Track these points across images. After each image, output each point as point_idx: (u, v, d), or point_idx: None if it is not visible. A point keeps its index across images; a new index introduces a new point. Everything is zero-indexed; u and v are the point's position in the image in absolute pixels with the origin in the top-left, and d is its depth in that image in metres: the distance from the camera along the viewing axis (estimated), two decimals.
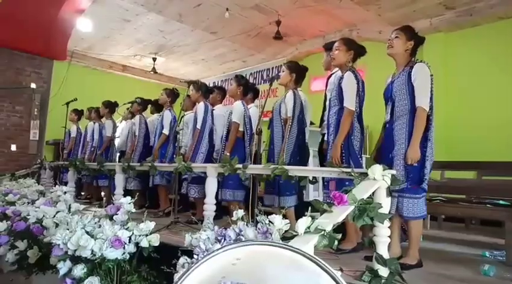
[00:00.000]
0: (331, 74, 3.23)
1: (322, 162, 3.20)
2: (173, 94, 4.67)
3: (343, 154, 2.69)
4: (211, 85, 9.36)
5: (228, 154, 3.55)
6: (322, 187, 2.88)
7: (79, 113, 6.32)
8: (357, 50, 2.89)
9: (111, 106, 5.60)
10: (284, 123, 3.31)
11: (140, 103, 5.11)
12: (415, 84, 2.39)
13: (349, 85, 2.74)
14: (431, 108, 2.39)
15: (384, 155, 2.50)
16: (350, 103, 2.71)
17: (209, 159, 3.96)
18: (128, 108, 5.51)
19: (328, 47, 3.20)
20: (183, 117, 4.30)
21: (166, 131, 4.39)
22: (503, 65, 5.30)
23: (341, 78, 2.82)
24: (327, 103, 3.00)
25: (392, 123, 2.49)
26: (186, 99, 4.46)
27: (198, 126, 4.05)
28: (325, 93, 3.18)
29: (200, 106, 4.11)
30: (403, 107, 2.44)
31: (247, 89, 4.06)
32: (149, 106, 5.31)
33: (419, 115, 2.35)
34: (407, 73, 2.44)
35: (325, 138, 3.00)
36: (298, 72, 3.40)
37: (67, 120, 6.18)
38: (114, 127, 5.54)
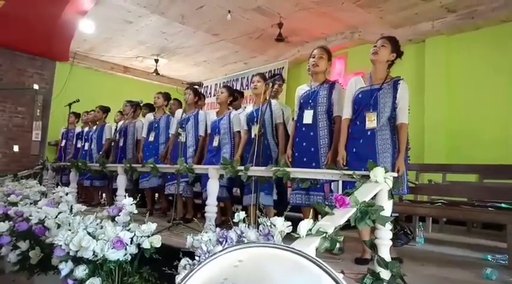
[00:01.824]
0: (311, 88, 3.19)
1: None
2: (168, 97, 4.81)
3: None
4: (213, 87, 9.51)
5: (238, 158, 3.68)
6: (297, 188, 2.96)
7: (78, 116, 6.38)
8: (331, 63, 3.14)
9: (106, 111, 5.70)
10: (276, 128, 3.53)
11: (141, 107, 5.18)
12: (401, 102, 2.59)
13: (342, 97, 2.94)
14: None
15: (361, 158, 2.52)
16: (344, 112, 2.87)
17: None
18: (119, 111, 5.59)
19: None
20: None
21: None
22: (505, 68, 5.29)
23: (331, 89, 2.99)
24: (308, 114, 3.03)
25: (374, 132, 2.60)
26: (174, 102, 4.74)
27: (202, 132, 4.19)
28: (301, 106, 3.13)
29: (202, 113, 4.28)
30: (385, 118, 2.60)
31: (235, 97, 4.33)
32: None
33: (404, 130, 2.57)
34: (393, 88, 2.61)
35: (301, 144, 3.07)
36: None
37: (69, 122, 6.21)
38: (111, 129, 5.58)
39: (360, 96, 2.71)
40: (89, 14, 6.27)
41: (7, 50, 6.62)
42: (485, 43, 5.54)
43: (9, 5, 5.54)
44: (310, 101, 3.02)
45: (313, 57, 3.05)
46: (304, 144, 3.01)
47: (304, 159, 2.97)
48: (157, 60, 8.51)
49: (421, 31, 5.99)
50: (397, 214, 2.98)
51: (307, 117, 3.00)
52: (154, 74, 8.78)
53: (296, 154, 3.06)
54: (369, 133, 2.61)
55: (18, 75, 6.83)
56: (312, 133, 2.99)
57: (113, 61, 8.85)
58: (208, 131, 4.15)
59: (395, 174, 2.12)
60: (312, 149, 2.96)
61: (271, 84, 3.34)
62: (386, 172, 2.02)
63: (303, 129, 3.03)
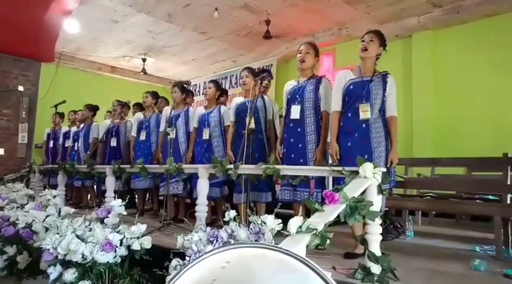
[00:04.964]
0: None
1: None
2: (157, 96, 4.77)
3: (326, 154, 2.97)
4: (201, 85, 9.45)
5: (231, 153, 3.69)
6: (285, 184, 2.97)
7: (63, 116, 6.29)
8: (318, 59, 3.16)
9: (94, 109, 5.60)
10: (268, 124, 3.55)
11: (129, 106, 5.13)
12: (391, 96, 2.63)
13: (329, 92, 2.95)
14: None
15: (356, 153, 2.40)
16: (330, 107, 2.89)
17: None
18: (108, 111, 5.53)
19: None
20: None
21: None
22: (490, 61, 5.37)
23: (318, 84, 3.01)
24: (295, 109, 3.04)
25: (369, 124, 2.60)
26: (162, 100, 4.77)
27: (196, 125, 4.12)
28: (288, 101, 3.14)
29: (192, 110, 4.29)
30: (377, 109, 2.62)
31: (222, 92, 4.38)
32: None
33: (395, 123, 2.63)
34: (382, 81, 2.63)
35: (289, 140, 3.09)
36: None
37: (55, 123, 6.12)
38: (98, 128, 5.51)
39: (351, 87, 2.68)
40: (74, 13, 6.17)
41: None
42: (471, 37, 5.61)
43: None
44: (297, 96, 3.03)
45: (300, 53, 3.06)
46: (292, 140, 3.02)
47: (292, 155, 2.99)
48: (145, 59, 8.43)
49: (408, 26, 6.04)
50: (386, 208, 3.00)
51: (294, 112, 3.01)
52: (142, 73, 8.70)
53: (284, 150, 3.08)
54: (363, 125, 2.60)
55: (2, 77, 6.70)
56: (299, 129, 2.99)
57: (100, 61, 8.73)
58: (195, 125, 4.10)
59: (384, 169, 2.13)
60: (300, 145, 2.97)
61: (259, 81, 3.33)
62: (375, 167, 2.03)
63: (291, 125, 3.04)
